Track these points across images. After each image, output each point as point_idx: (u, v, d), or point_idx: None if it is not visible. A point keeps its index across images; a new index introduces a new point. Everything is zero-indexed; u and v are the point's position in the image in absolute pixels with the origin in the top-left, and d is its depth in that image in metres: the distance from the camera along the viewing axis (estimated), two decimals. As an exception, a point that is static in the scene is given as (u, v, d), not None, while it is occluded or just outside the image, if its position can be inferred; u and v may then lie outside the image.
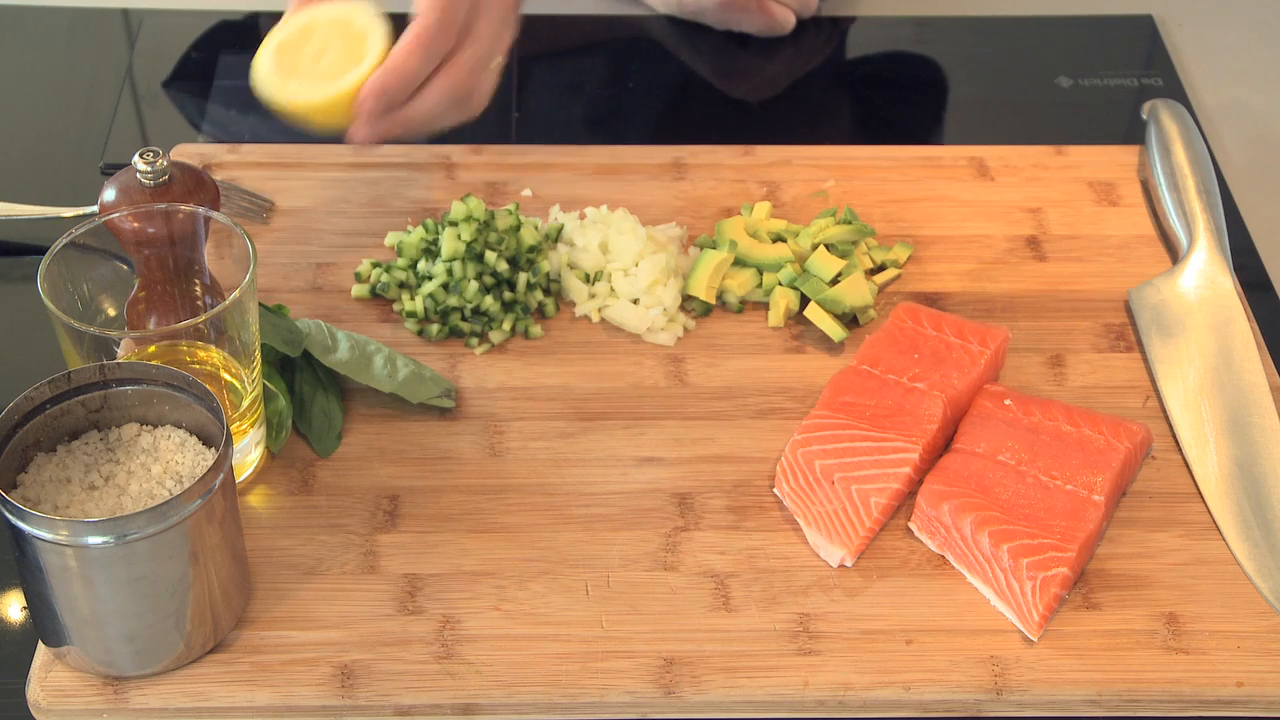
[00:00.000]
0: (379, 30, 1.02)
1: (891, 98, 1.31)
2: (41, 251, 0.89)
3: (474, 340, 1.05)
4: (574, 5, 1.37)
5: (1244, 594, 0.91)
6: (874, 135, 1.26)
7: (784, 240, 1.10)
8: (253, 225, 1.12)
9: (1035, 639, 0.88)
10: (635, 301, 1.06)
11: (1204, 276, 1.07)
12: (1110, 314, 1.08)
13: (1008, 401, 0.97)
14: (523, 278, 1.06)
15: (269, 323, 0.98)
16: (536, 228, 1.09)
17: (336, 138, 1.24)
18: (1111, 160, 1.19)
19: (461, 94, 1.03)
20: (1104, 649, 0.88)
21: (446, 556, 0.92)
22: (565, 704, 0.86)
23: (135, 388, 0.87)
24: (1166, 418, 1.00)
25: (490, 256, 1.05)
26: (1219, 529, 0.94)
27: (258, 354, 0.92)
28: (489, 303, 1.05)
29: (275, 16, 1.35)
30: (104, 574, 0.81)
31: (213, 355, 0.91)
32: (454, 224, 1.07)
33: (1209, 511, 0.95)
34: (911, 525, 0.94)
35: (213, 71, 1.29)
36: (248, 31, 1.34)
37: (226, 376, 0.92)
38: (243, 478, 0.95)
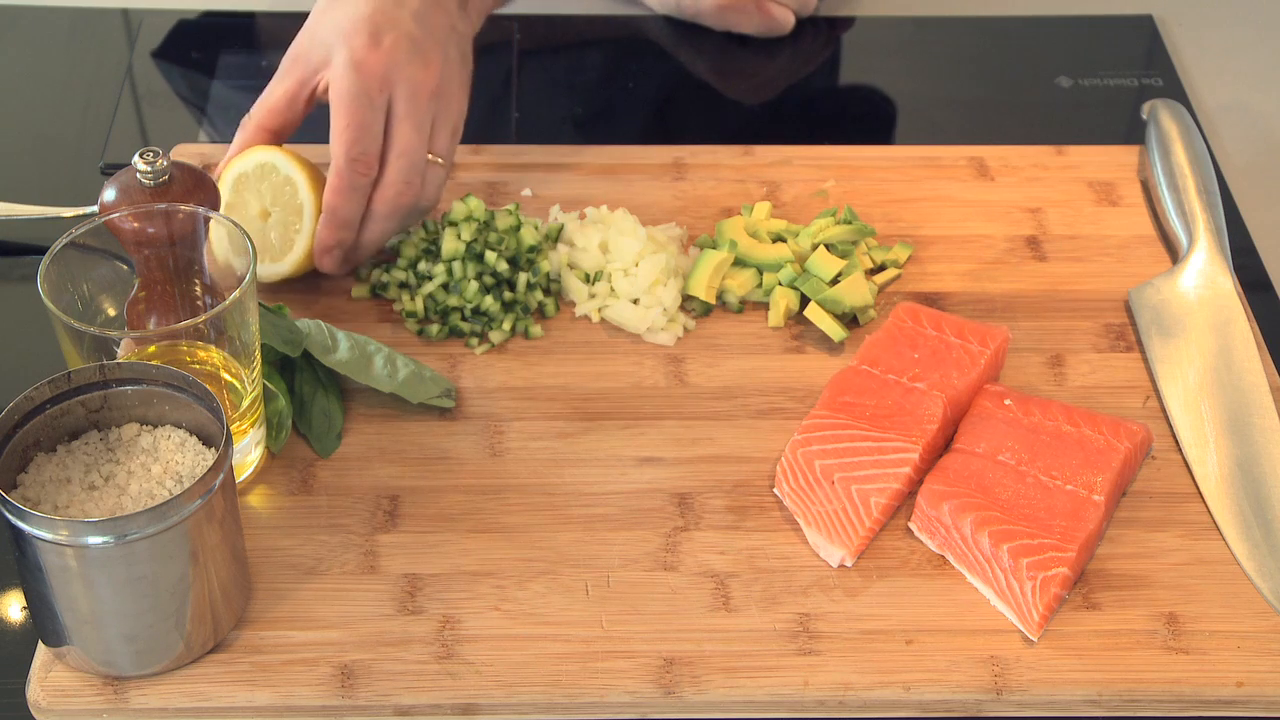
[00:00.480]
0: (301, 176, 1.04)
1: (891, 98, 1.31)
2: (41, 251, 0.89)
3: (474, 340, 1.05)
4: (574, 5, 1.37)
5: (1244, 594, 0.91)
6: (874, 135, 1.26)
7: (784, 240, 1.10)
8: (253, 225, 1.12)
9: (1035, 639, 0.88)
10: (635, 301, 1.06)
11: (1204, 276, 1.07)
12: (1110, 314, 1.08)
13: (1008, 401, 0.97)
14: (523, 278, 1.06)
15: (269, 323, 0.98)
16: (536, 228, 1.09)
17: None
18: (1111, 160, 1.19)
19: (403, 206, 1.03)
20: (1104, 649, 0.88)
21: (446, 556, 0.92)
22: (565, 704, 0.86)
23: (135, 388, 0.87)
24: (1166, 418, 1.00)
25: (490, 256, 1.05)
26: (1219, 529, 0.94)
27: (258, 354, 0.92)
28: (489, 303, 1.05)
29: (275, 16, 1.35)
30: (104, 574, 0.81)
31: (213, 355, 0.91)
32: (454, 224, 1.07)
33: (1209, 511, 0.95)
34: (911, 525, 0.94)
35: (213, 71, 1.29)
36: (248, 31, 1.34)
37: (226, 376, 0.92)
38: (243, 478, 0.95)
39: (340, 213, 1.02)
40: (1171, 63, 1.32)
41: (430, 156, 1.03)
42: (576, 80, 1.32)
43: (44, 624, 0.85)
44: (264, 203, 1.04)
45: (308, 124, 1.06)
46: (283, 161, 1.04)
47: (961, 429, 0.96)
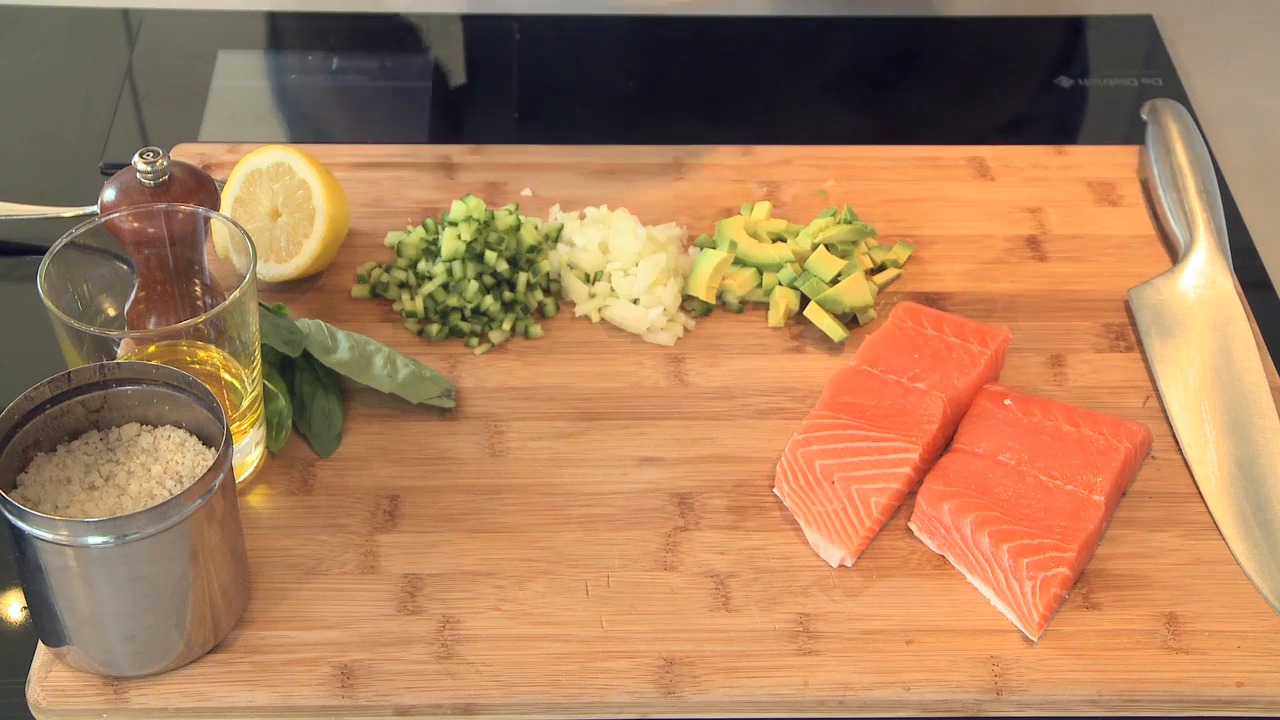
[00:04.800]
0: (317, 181, 1.04)
1: (891, 98, 1.31)
2: (41, 251, 0.89)
3: (474, 340, 1.05)
4: (574, 5, 1.37)
5: (1244, 594, 0.91)
6: (874, 135, 1.26)
7: (784, 240, 1.10)
8: (253, 225, 1.12)
9: (1035, 639, 0.88)
10: (635, 301, 1.06)
11: (1204, 276, 1.07)
12: (1110, 314, 1.08)
13: (1008, 401, 0.97)
14: (523, 278, 1.06)
15: (269, 323, 0.98)
16: (536, 228, 1.09)
17: (338, 138, 1.24)
18: (1111, 160, 1.19)
19: None
20: (1104, 649, 0.88)
21: (446, 556, 0.92)
22: (565, 704, 0.86)
23: (135, 388, 0.87)
24: (1166, 418, 1.00)
25: (490, 256, 1.05)
26: (1219, 529, 0.94)
27: (258, 354, 0.92)
28: (489, 303, 1.05)
29: (275, 16, 1.35)
30: (104, 574, 0.81)
31: (213, 355, 0.91)
32: (454, 224, 1.07)
33: (1209, 511, 0.95)
34: (911, 525, 0.94)
35: (212, 71, 1.29)
36: (248, 31, 1.34)
37: (226, 376, 0.92)
38: (243, 478, 0.95)
39: None
40: (1171, 63, 1.32)
41: None
42: (576, 80, 1.32)
43: (44, 624, 0.85)
44: (275, 203, 1.04)
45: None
46: (300, 164, 1.04)
47: (961, 429, 0.96)
